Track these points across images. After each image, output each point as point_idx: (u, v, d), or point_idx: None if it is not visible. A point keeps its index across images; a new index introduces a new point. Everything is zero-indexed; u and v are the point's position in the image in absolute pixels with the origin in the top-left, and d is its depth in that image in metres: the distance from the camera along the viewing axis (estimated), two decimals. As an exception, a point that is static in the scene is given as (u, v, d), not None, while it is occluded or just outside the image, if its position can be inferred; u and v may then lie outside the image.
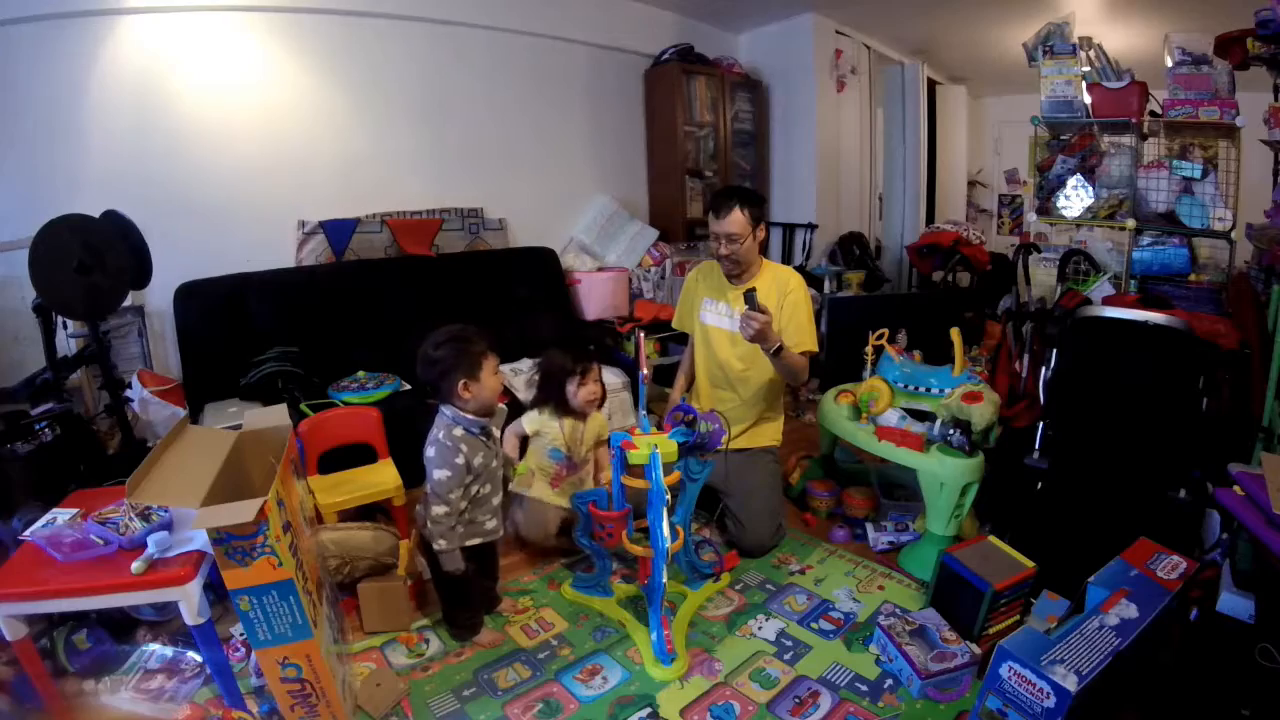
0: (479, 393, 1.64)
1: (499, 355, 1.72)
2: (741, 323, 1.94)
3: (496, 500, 1.76)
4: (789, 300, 2.19)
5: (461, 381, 1.61)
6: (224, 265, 2.73)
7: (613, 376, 3.00)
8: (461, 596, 1.76)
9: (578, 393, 2.06)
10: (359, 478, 2.14)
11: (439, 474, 1.60)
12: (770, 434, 2.35)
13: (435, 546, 1.62)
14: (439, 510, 1.60)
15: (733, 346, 2.27)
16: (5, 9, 2.33)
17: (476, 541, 1.73)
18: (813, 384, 3.32)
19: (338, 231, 3.02)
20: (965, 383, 2.09)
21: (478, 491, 1.69)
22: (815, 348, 2.19)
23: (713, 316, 2.33)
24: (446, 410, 1.65)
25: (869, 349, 2.43)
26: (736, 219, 2.11)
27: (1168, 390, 1.92)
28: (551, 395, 2.09)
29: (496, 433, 1.74)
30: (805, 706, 1.53)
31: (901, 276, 4.95)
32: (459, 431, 1.63)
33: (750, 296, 1.91)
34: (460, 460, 1.61)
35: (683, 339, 3.72)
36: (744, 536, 2.14)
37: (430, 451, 1.62)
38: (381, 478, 2.13)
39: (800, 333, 2.16)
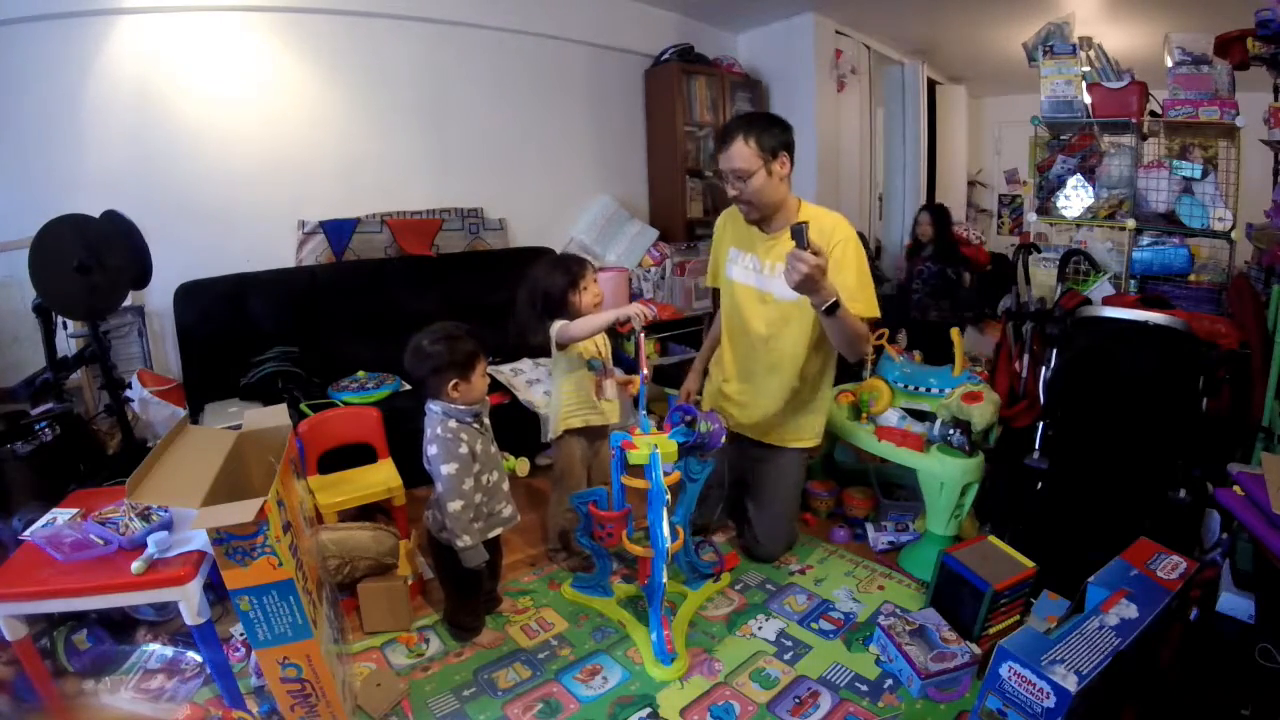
0: (467, 393, 1.64)
1: (488, 358, 1.71)
2: (787, 265, 1.54)
3: (506, 485, 1.77)
4: (834, 253, 1.76)
5: (453, 381, 1.61)
6: (224, 265, 2.73)
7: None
8: (470, 596, 1.77)
9: (582, 300, 1.93)
10: (359, 478, 2.14)
11: (446, 469, 1.59)
12: (809, 429, 2.07)
13: (459, 544, 1.61)
14: (456, 506, 1.60)
15: (760, 305, 1.95)
16: (5, 9, 2.33)
17: (498, 531, 1.74)
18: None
19: (338, 231, 3.02)
20: (965, 383, 2.09)
21: (487, 480, 1.69)
22: (875, 311, 1.81)
23: (739, 271, 2.00)
24: (435, 406, 1.64)
25: (869, 349, 2.43)
26: (740, 151, 1.78)
27: (1167, 390, 1.92)
28: (562, 314, 1.92)
29: (487, 420, 1.73)
30: (805, 706, 1.53)
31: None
32: (454, 423, 1.63)
33: (798, 230, 1.50)
34: (464, 450, 1.61)
35: (684, 339, 3.76)
36: (756, 549, 2.12)
37: (432, 450, 1.61)
38: (381, 478, 2.13)
39: (852, 293, 1.74)
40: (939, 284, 3.81)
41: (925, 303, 3.81)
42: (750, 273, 1.98)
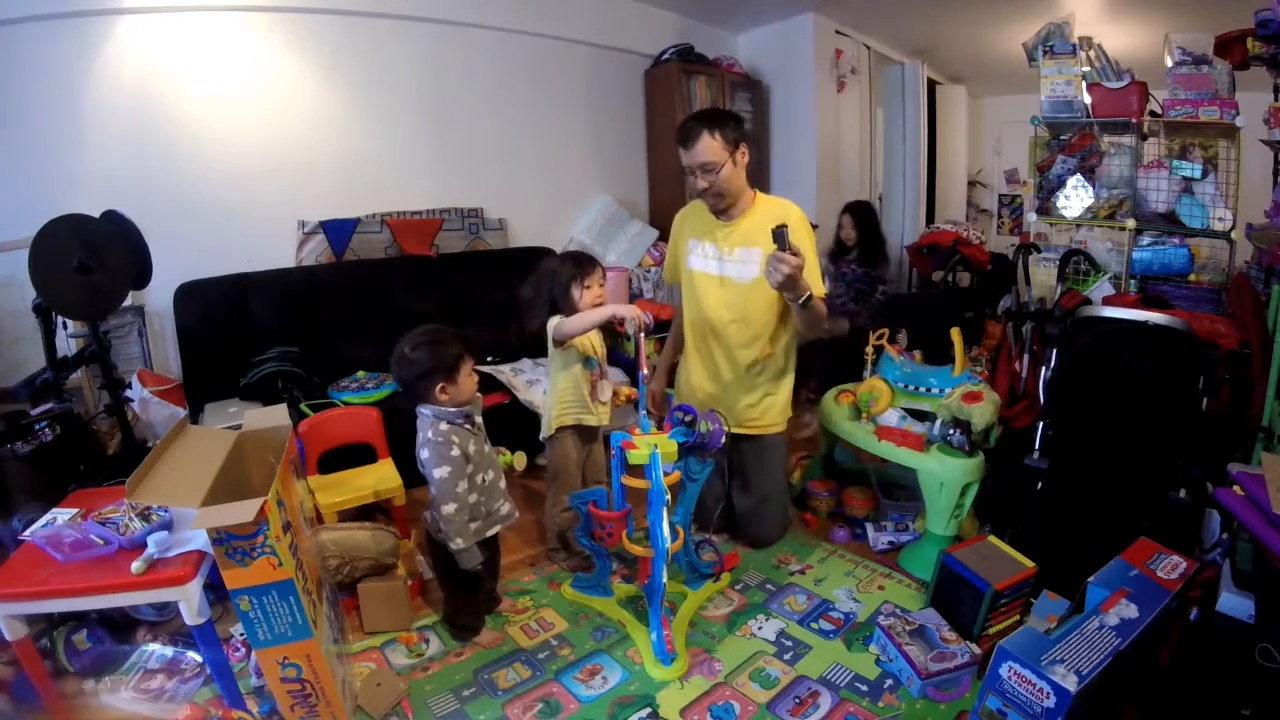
0: (455, 395, 1.64)
1: (474, 357, 1.71)
2: (769, 267, 1.65)
3: (503, 483, 1.78)
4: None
5: (439, 384, 1.61)
6: (224, 265, 2.74)
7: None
8: (470, 596, 1.77)
9: (583, 296, 1.93)
10: (359, 478, 2.14)
11: (439, 473, 1.59)
12: (777, 412, 2.10)
13: (453, 546, 1.61)
14: (450, 509, 1.60)
15: (720, 290, 2.02)
16: (5, 9, 2.33)
17: (496, 529, 1.74)
18: (812, 383, 3.31)
19: (338, 231, 3.02)
20: (965, 383, 2.09)
21: (483, 480, 1.70)
22: (822, 291, 1.91)
23: (699, 260, 2.07)
24: (426, 409, 1.64)
25: (869, 349, 2.43)
26: (707, 145, 1.86)
27: (1167, 390, 1.92)
28: (561, 305, 1.93)
29: (479, 419, 1.74)
30: (805, 706, 1.53)
31: (901, 276, 4.94)
32: (445, 426, 1.62)
33: (780, 234, 1.60)
34: (456, 453, 1.61)
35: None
36: (747, 532, 2.15)
37: (424, 454, 1.61)
38: (381, 478, 2.13)
39: (809, 274, 1.84)
40: (865, 288, 3.54)
41: (850, 308, 3.46)
42: (710, 260, 2.03)
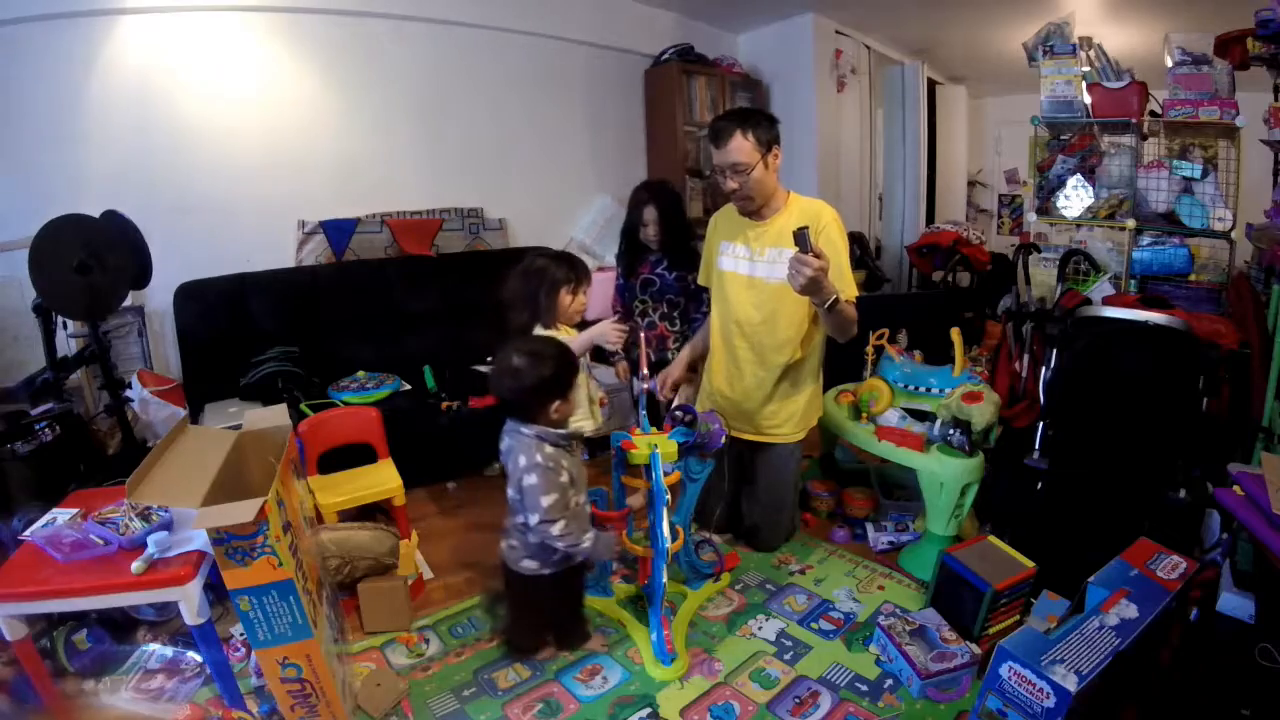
0: (565, 412, 1.59)
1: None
2: (790, 269, 1.60)
3: (589, 509, 1.70)
4: (821, 239, 1.80)
5: (556, 403, 1.55)
6: (224, 265, 2.74)
7: (612, 377, 2.99)
8: (578, 608, 1.75)
9: (572, 303, 1.91)
10: (359, 478, 2.14)
11: (546, 499, 1.50)
12: (796, 420, 2.05)
13: (581, 546, 1.55)
14: (558, 527, 1.52)
15: (749, 291, 1.97)
16: (6, 9, 2.33)
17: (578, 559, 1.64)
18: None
19: (338, 231, 3.02)
20: (965, 383, 2.09)
21: (576, 504, 1.60)
22: (854, 293, 1.86)
23: (729, 260, 2.01)
24: (527, 430, 1.54)
25: (869, 349, 2.43)
26: (739, 145, 1.80)
27: (1167, 390, 1.92)
28: (543, 307, 1.89)
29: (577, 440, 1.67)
30: (805, 706, 1.53)
31: (901, 276, 4.95)
32: (550, 449, 1.54)
33: (802, 235, 1.55)
34: (565, 478, 1.55)
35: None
36: (757, 542, 2.16)
37: (533, 479, 1.51)
38: (381, 478, 2.13)
39: (839, 278, 1.78)
40: (681, 298, 2.46)
41: (661, 330, 2.50)
42: (741, 260, 1.99)
